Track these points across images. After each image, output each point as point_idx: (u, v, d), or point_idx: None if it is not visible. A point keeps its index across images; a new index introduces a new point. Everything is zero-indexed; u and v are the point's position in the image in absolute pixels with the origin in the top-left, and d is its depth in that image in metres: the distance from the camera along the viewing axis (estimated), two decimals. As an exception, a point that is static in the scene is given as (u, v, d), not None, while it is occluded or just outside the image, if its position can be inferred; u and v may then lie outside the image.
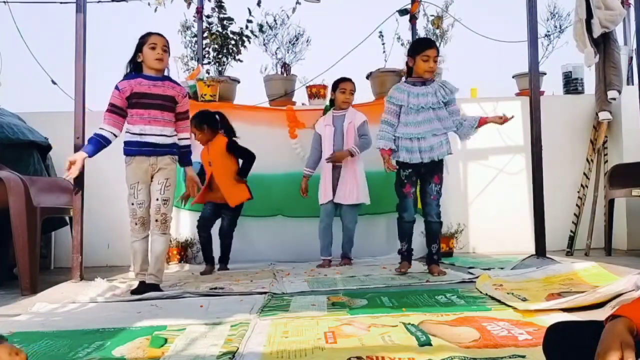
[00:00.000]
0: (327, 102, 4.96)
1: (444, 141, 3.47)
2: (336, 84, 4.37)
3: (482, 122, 3.48)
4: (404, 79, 3.79)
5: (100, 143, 3.05)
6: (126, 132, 3.13)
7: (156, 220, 3.11)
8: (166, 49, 3.14)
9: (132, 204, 3.11)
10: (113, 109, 3.09)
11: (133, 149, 3.09)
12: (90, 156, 3.04)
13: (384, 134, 3.49)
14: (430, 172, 3.49)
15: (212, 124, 4.14)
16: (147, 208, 3.13)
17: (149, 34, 3.13)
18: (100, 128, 3.07)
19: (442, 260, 3.79)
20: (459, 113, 3.53)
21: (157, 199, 3.11)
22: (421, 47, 3.50)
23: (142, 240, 3.13)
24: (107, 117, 3.08)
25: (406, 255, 3.61)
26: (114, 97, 3.08)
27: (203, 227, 4.13)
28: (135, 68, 3.15)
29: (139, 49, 3.13)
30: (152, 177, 3.14)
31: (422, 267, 3.82)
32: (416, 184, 3.53)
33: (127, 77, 3.14)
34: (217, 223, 4.21)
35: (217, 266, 4.15)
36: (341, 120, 4.33)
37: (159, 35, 3.13)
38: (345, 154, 4.20)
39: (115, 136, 3.11)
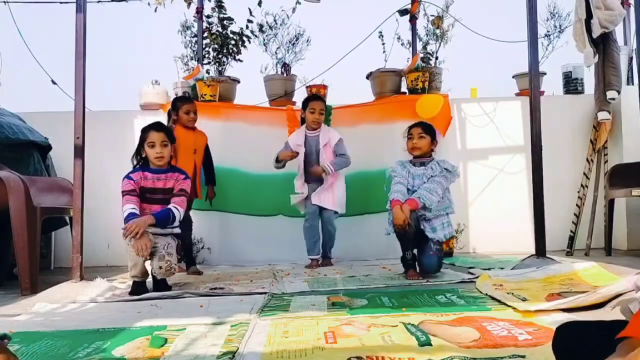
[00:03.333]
0: (327, 103, 4.96)
1: (445, 225, 3.46)
2: (306, 103, 4.31)
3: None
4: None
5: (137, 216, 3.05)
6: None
7: (160, 267, 3.08)
8: (166, 143, 3.19)
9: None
10: (131, 193, 3.11)
11: None
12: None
13: (398, 188, 3.43)
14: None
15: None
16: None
17: (148, 129, 3.21)
18: (129, 208, 3.05)
19: (443, 261, 3.77)
20: (432, 184, 3.39)
21: (162, 251, 3.08)
22: (408, 129, 3.60)
23: None
24: (127, 199, 3.10)
25: (411, 263, 3.46)
26: (128, 185, 3.12)
27: (188, 225, 4.10)
28: (141, 160, 3.25)
29: (141, 144, 3.21)
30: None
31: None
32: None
33: (135, 169, 3.21)
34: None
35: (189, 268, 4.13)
36: (315, 141, 4.27)
37: (157, 131, 3.19)
38: (319, 170, 4.16)
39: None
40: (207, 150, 4.24)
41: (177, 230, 3.28)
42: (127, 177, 3.17)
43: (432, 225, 3.42)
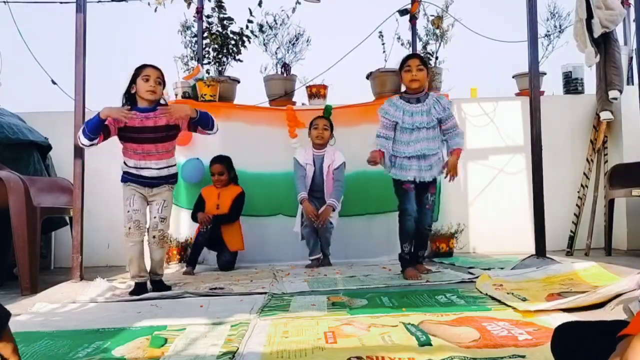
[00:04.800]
0: (327, 103, 4.97)
1: (439, 161, 3.51)
2: (312, 121, 4.45)
3: (456, 153, 3.50)
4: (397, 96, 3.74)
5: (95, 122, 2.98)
6: (123, 162, 3.17)
7: (153, 237, 3.15)
8: (160, 81, 3.13)
9: (128, 210, 3.11)
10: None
11: (130, 178, 3.14)
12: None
13: (381, 144, 3.49)
14: (425, 186, 3.50)
15: (234, 172, 4.40)
16: (143, 214, 3.15)
17: (143, 66, 3.14)
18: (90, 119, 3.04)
19: (442, 261, 3.81)
20: (454, 129, 3.52)
21: (155, 217, 3.16)
22: (403, 60, 3.54)
23: (138, 244, 3.11)
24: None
25: (409, 260, 3.48)
26: (108, 120, 3.04)
27: (203, 237, 4.20)
28: (129, 99, 3.14)
29: (133, 80, 3.12)
30: (147, 201, 3.18)
31: (422, 267, 3.83)
32: (416, 191, 3.47)
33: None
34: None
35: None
36: (320, 160, 4.39)
37: (154, 68, 3.14)
38: (328, 211, 4.22)
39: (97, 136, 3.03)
40: (235, 201, 4.30)
41: (174, 171, 3.23)
42: None
43: (429, 162, 3.45)
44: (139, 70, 3.12)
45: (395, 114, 3.47)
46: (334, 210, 4.27)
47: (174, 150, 3.27)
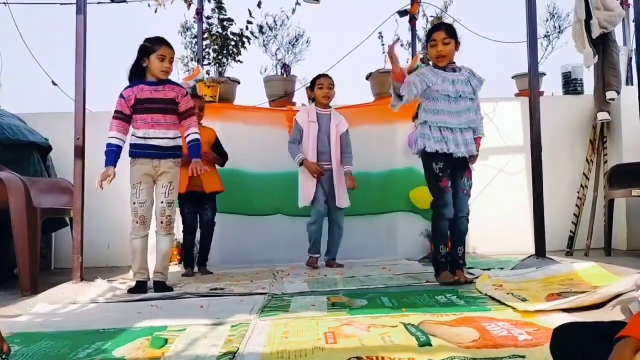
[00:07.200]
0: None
1: (472, 140, 3.22)
2: (313, 82, 4.34)
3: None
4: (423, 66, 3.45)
5: (117, 153, 3.17)
6: (132, 135, 3.22)
7: (161, 222, 3.20)
8: (173, 60, 3.22)
9: (134, 203, 3.17)
10: (120, 116, 3.19)
11: (137, 152, 3.18)
12: (114, 167, 3.16)
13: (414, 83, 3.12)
14: (461, 166, 3.20)
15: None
16: (149, 208, 3.19)
17: (159, 43, 3.18)
18: (111, 137, 3.16)
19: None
20: (479, 111, 3.28)
21: (162, 202, 3.20)
22: (429, 33, 3.31)
23: (142, 238, 3.18)
24: (115, 125, 3.18)
25: (445, 263, 3.16)
26: (120, 105, 3.18)
27: (191, 231, 4.12)
28: (138, 72, 3.21)
29: (145, 53, 3.17)
30: (155, 180, 3.21)
31: (422, 268, 3.83)
32: (451, 177, 3.18)
33: (130, 85, 3.22)
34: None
35: (196, 269, 4.13)
36: (327, 119, 4.28)
37: (169, 47, 3.20)
38: (353, 179, 4.22)
39: (124, 142, 3.22)
40: (217, 145, 4.22)
41: (180, 143, 3.27)
42: (121, 95, 3.19)
43: (465, 137, 3.15)
44: (154, 47, 3.16)
45: (433, 78, 3.14)
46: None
47: (179, 126, 3.29)
